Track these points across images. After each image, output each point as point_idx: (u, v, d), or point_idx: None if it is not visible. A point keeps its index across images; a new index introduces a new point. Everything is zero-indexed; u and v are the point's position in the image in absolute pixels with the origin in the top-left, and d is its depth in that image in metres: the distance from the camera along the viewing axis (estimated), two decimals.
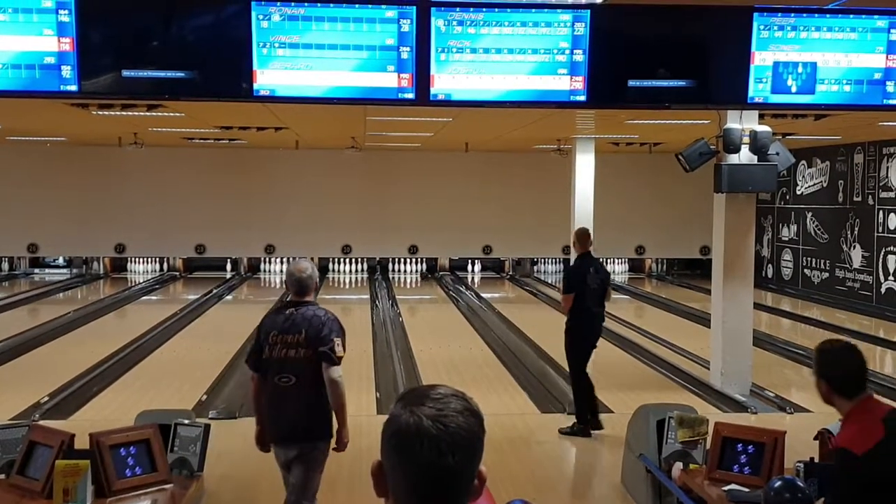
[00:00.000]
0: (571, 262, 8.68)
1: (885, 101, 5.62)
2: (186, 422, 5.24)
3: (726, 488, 4.28)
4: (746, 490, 4.21)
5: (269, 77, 5.03)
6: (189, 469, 4.98)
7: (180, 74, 5.10)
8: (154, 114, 11.48)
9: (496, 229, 20.70)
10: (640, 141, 17.11)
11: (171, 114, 11.80)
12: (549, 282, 20.57)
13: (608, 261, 22.07)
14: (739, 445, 4.41)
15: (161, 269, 21.41)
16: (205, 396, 8.85)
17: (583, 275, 7.77)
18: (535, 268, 22.20)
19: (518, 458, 6.89)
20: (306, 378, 4.57)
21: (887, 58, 5.51)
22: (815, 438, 4.26)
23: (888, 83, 5.55)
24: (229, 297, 18.14)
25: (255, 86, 5.03)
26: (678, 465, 4.75)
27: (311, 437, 4.63)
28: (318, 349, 4.55)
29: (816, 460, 4.13)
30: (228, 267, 21.55)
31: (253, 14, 4.98)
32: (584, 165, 16.60)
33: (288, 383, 4.56)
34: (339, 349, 4.60)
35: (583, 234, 8.07)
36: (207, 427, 5.23)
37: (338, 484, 6.24)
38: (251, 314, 14.51)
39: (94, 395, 9.03)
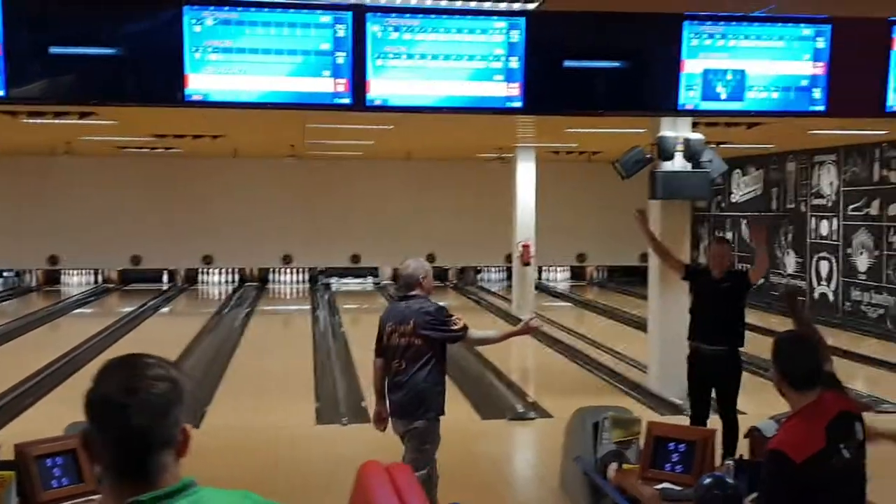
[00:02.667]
0: None
1: (811, 108, 5.73)
2: None
3: (659, 487, 4.35)
4: (678, 488, 4.29)
5: (202, 82, 4.98)
6: None
7: (110, 79, 5.05)
8: (86, 122, 11.30)
9: (439, 238, 20.74)
10: (580, 149, 17.34)
11: (104, 121, 11.63)
12: (493, 290, 20.68)
13: (550, 268, 22.32)
14: (671, 445, 4.48)
15: (96, 282, 21.07)
16: None
17: None
18: (479, 276, 22.30)
19: (459, 464, 6.91)
20: (415, 363, 5.14)
21: (813, 65, 5.62)
22: (746, 437, 4.35)
23: (814, 90, 5.66)
24: (166, 310, 17.91)
25: (187, 91, 4.97)
26: (613, 466, 4.83)
27: (422, 416, 5.16)
28: (431, 336, 5.13)
29: (746, 457, 4.23)
30: (165, 278, 21.25)
31: (185, 18, 4.92)
32: (526, 174, 16.77)
33: (400, 367, 5.17)
34: (456, 325, 5.20)
35: None
36: None
37: (275, 495, 6.19)
38: (188, 326, 14.38)
39: (25, 408, 8.86)
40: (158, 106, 6.02)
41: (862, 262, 15.29)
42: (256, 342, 13.39)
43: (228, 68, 4.99)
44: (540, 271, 21.39)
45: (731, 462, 4.18)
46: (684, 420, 7.58)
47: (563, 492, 6.17)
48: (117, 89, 5.12)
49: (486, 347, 11.92)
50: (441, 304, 5.44)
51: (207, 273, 21.31)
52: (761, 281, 7.50)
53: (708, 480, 3.86)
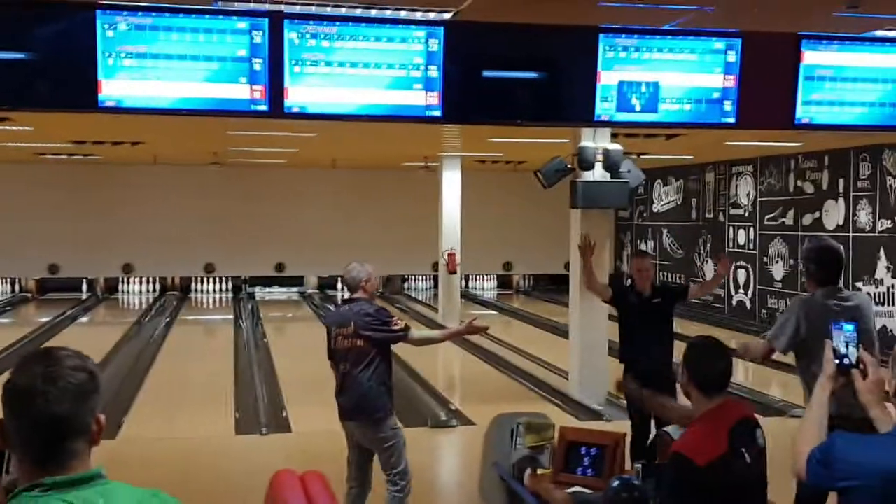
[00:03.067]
0: None
1: (722, 120, 5.88)
2: None
3: (570, 490, 4.42)
4: (589, 492, 4.37)
5: (116, 88, 4.92)
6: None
7: (22, 84, 4.96)
8: (1, 127, 11.04)
9: (365, 246, 20.57)
10: (505, 159, 17.48)
11: (19, 127, 11.37)
12: (420, 299, 20.72)
13: (477, 277, 22.44)
14: (583, 449, 4.56)
15: (12, 291, 20.54)
16: None
17: None
18: (406, 285, 22.31)
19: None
20: (358, 364, 5.24)
21: (724, 78, 5.77)
22: (652, 441, 4.44)
23: (726, 102, 5.81)
24: (85, 319, 17.54)
25: (101, 96, 4.90)
26: (529, 471, 4.89)
27: (369, 416, 5.26)
28: (372, 337, 5.22)
29: (657, 461, 4.32)
30: (84, 287, 20.82)
31: (98, 23, 4.86)
32: (451, 182, 16.87)
33: (345, 370, 5.28)
34: (396, 325, 5.32)
35: None
36: None
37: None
38: (107, 336, 14.11)
39: None
40: (71, 111, 5.91)
41: (777, 271, 15.73)
42: (177, 352, 13.20)
43: (143, 74, 4.94)
44: (467, 280, 21.51)
45: (639, 466, 4.27)
46: (604, 426, 7.72)
47: (482, 497, 6.21)
48: (29, 94, 5.03)
49: (411, 355, 11.94)
50: (381, 306, 5.54)
51: (128, 282, 20.93)
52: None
53: (616, 483, 3.95)
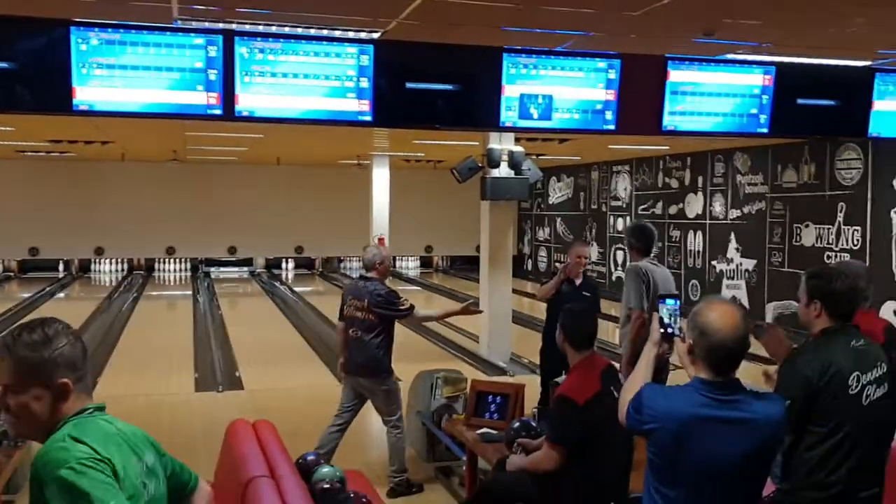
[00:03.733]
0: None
1: (604, 127, 5.95)
2: None
3: (479, 431, 4.49)
4: (495, 432, 4.45)
5: (88, 94, 4.79)
6: (12, 439, 4.65)
7: (7, 90, 4.80)
8: None
9: (306, 232, 20.54)
10: (427, 158, 17.50)
11: (2, 128, 10.95)
12: (354, 276, 20.60)
13: (403, 258, 22.45)
14: (490, 397, 4.65)
15: None
16: None
17: None
18: (342, 264, 22.20)
19: (319, 421, 6.91)
20: (368, 333, 5.38)
21: (606, 92, 5.86)
22: (546, 389, 4.54)
23: (607, 112, 5.89)
24: (61, 295, 17.01)
25: (75, 101, 4.78)
26: (445, 417, 4.96)
27: (377, 374, 5.42)
28: (382, 314, 5.34)
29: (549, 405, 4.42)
30: (61, 267, 20.17)
31: (72, 38, 4.74)
32: (381, 178, 16.82)
33: (356, 335, 5.39)
34: (403, 306, 5.46)
35: None
36: None
37: None
38: (82, 309, 13.72)
39: None
40: (49, 114, 5.75)
41: None
42: (143, 323, 12.92)
43: (112, 82, 4.82)
44: (394, 260, 21.49)
45: (535, 409, 4.37)
46: (508, 379, 7.84)
47: (408, 441, 6.27)
48: (11, 98, 4.86)
49: None
50: (391, 288, 5.66)
51: (99, 263, 20.37)
52: None
53: (516, 424, 4.04)
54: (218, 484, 3.80)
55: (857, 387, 2.72)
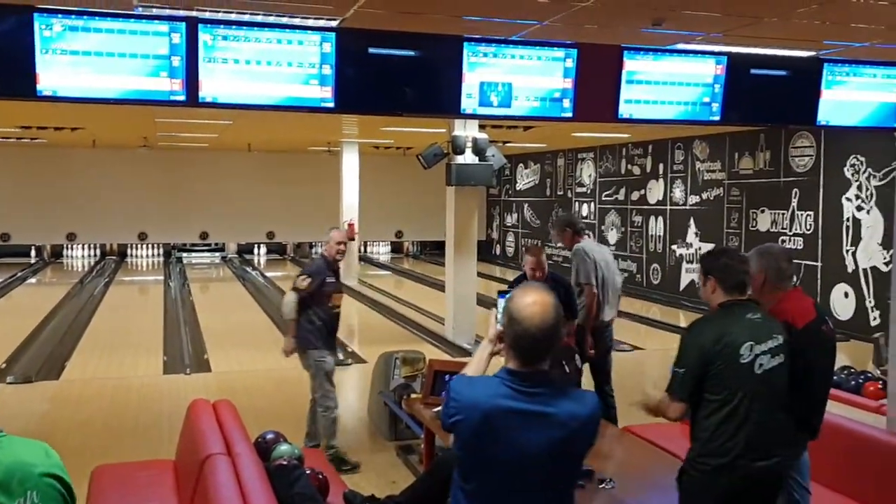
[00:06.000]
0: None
1: (562, 115, 5.96)
2: None
3: (436, 409, 4.55)
4: None
5: (51, 80, 4.74)
6: None
7: None
8: None
9: (278, 217, 20.44)
10: (396, 145, 17.48)
11: None
12: None
13: (374, 243, 22.44)
14: (447, 376, 4.67)
15: None
16: (3, 364, 8.25)
17: None
18: (314, 250, 22.12)
19: (283, 401, 6.96)
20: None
21: (563, 80, 5.90)
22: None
23: (564, 100, 5.92)
24: (33, 280, 16.82)
25: (38, 87, 4.72)
26: (405, 396, 5.01)
27: (300, 352, 5.44)
28: None
29: None
30: (33, 253, 19.89)
31: (36, 24, 4.69)
32: (350, 164, 16.76)
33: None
34: (299, 281, 5.46)
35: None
36: None
37: (123, 432, 6.05)
38: (54, 294, 13.58)
39: None
40: (13, 99, 5.65)
41: (612, 237, 16.29)
42: (114, 307, 12.81)
43: (75, 68, 4.78)
44: (365, 246, 21.48)
45: None
46: (466, 359, 7.90)
47: (370, 420, 6.33)
48: None
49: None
50: (315, 263, 5.78)
51: (72, 248, 20.13)
52: None
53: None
54: (178, 461, 3.83)
55: (749, 356, 2.80)
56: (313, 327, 5.44)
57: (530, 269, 5.51)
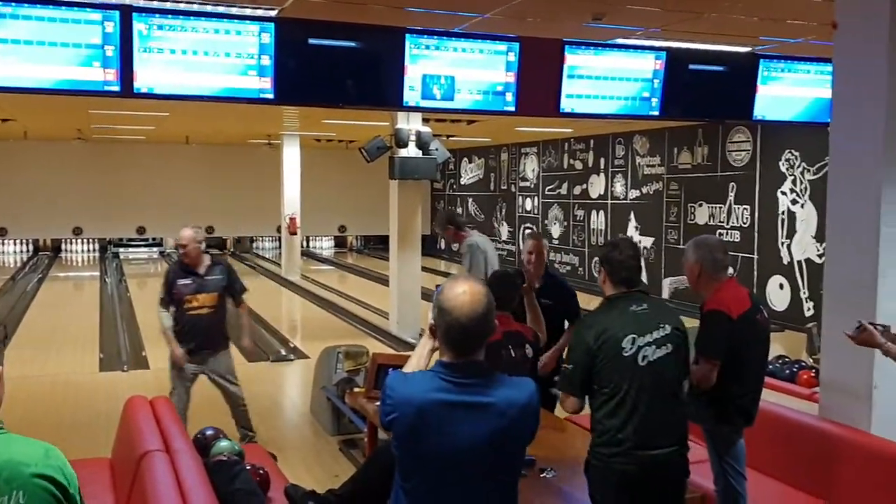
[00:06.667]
0: None
1: (504, 108, 6.02)
2: None
3: (378, 403, 4.54)
4: None
5: None
6: None
7: None
8: None
9: (218, 211, 20.07)
10: (338, 138, 17.35)
11: None
12: (266, 256, 20.37)
13: (317, 238, 22.24)
14: (390, 370, 4.68)
15: None
16: None
17: None
18: (254, 245, 21.87)
19: (221, 398, 6.85)
20: None
21: (506, 74, 5.94)
22: None
23: (507, 94, 5.97)
24: None
25: None
26: (348, 390, 4.99)
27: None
28: None
29: None
30: None
31: None
32: (291, 158, 16.59)
33: None
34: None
35: None
36: None
37: (58, 430, 5.89)
38: None
39: None
40: None
41: (555, 230, 16.47)
42: (48, 304, 12.46)
43: (3, 57, 4.64)
44: (308, 240, 21.28)
45: None
46: (409, 353, 7.90)
47: (312, 415, 6.28)
48: None
49: (262, 305, 11.82)
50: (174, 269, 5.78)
51: (3, 244, 19.48)
52: None
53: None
54: (115, 459, 3.75)
55: (632, 349, 2.84)
56: (177, 330, 5.35)
57: (527, 252, 4.83)
